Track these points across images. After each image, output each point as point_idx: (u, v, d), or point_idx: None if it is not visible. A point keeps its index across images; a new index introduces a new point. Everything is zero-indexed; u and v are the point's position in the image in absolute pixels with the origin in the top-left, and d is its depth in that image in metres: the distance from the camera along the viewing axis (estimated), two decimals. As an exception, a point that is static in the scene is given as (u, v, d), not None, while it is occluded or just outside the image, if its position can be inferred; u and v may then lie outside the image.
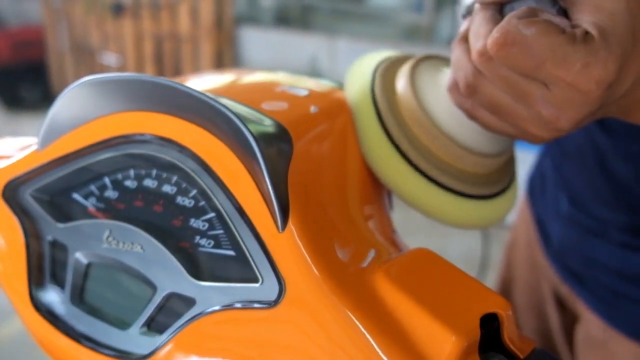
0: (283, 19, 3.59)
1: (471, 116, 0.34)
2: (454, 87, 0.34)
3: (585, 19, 0.28)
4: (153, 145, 0.34)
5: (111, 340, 0.32)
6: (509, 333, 0.29)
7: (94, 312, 0.33)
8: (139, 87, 0.33)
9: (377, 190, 0.38)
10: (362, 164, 0.37)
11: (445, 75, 0.36)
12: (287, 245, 0.28)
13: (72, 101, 0.35)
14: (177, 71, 3.68)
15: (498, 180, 0.39)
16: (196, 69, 3.58)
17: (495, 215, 0.38)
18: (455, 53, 0.33)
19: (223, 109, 0.30)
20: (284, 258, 0.28)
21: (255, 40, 3.54)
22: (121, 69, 3.92)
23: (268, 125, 0.32)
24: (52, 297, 0.34)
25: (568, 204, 0.59)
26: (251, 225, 0.30)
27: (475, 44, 0.30)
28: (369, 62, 0.41)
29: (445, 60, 0.40)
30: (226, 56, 3.53)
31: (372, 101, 0.37)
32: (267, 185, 0.29)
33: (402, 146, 0.35)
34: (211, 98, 0.30)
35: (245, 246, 0.30)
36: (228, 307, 0.29)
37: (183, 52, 3.59)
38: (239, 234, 0.30)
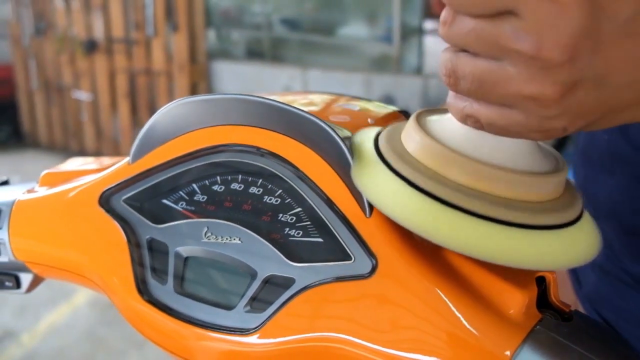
0: (255, 53, 3.69)
1: (463, 117, 0.30)
2: (447, 79, 0.30)
3: None
4: (238, 153, 0.40)
5: (219, 320, 0.37)
6: (554, 293, 0.35)
7: (197, 298, 0.38)
8: (227, 104, 0.39)
9: None
10: None
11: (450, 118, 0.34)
12: (376, 228, 0.34)
13: (164, 119, 0.41)
14: (152, 105, 3.72)
15: (565, 207, 0.33)
16: (171, 102, 3.62)
17: (574, 248, 0.32)
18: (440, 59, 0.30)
19: (314, 119, 0.36)
20: (374, 238, 0.34)
21: (228, 73, 3.62)
22: (94, 104, 3.93)
23: (345, 132, 0.38)
24: (157, 288, 0.39)
25: (603, 256, 0.56)
26: (340, 214, 0.36)
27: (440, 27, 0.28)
28: (366, 142, 0.37)
29: (441, 110, 0.38)
30: (201, 90, 3.60)
31: (384, 163, 0.33)
32: (355, 180, 0.35)
33: (442, 195, 0.31)
34: (300, 109, 0.37)
35: (336, 232, 0.36)
36: (325, 282, 0.35)
37: (157, 87, 3.64)
38: (329, 222, 0.36)
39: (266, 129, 0.38)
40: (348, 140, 0.37)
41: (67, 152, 4.14)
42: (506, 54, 0.26)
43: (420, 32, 3.26)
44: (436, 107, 0.37)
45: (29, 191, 0.47)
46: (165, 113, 0.41)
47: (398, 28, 3.10)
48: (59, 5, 3.87)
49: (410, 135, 0.34)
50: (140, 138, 0.42)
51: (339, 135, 0.35)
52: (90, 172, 0.46)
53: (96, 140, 4.01)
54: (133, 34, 3.64)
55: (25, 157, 4.13)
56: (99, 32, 3.75)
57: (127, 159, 0.43)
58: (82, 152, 4.09)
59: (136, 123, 3.82)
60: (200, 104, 0.40)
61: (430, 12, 3.35)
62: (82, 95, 3.95)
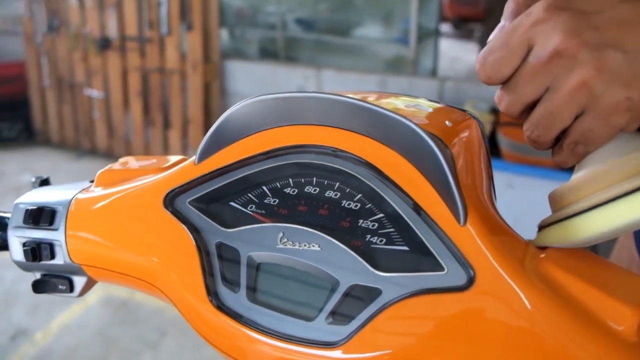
0: (268, 52, 3.67)
1: (570, 153, 0.35)
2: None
3: None
4: (313, 154, 0.37)
5: (298, 332, 0.34)
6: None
7: (273, 307, 0.36)
8: (303, 102, 0.37)
9: (491, 186, 0.42)
10: (482, 162, 0.41)
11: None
12: (471, 237, 0.32)
13: (234, 117, 0.39)
14: (165, 104, 3.71)
15: None
16: (184, 101, 3.61)
17: None
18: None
19: (402, 119, 0.34)
20: (470, 248, 0.32)
21: (242, 73, 3.60)
22: (106, 102, 3.92)
23: (430, 135, 0.36)
24: (228, 295, 0.37)
25: None
26: (430, 221, 0.33)
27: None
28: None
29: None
30: (214, 89, 3.58)
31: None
32: (449, 185, 0.33)
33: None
34: (384, 108, 0.35)
35: (425, 239, 0.33)
36: (415, 294, 0.33)
37: (170, 86, 3.63)
38: (417, 229, 0.34)
39: (345, 129, 0.36)
40: (436, 140, 0.35)
41: (79, 150, 4.13)
42: (546, 78, 0.33)
43: (436, 34, 3.24)
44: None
45: (85, 190, 0.45)
46: (237, 111, 0.39)
47: (415, 30, 3.08)
48: (72, 3, 3.86)
49: (582, 184, 0.35)
50: (208, 137, 0.40)
51: (430, 136, 0.33)
52: (149, 171, 0.44)
53: (108, 138, 4.00)
54: (147, 32, 3.63)
55: (36, 154, 4.12)
56: (112, 30, 3.74)
57: (193, 158, 0.41)
58: (93, 151, 4.08)
59: (148, 122, 3.81)
60: (275, 102, 0.38)
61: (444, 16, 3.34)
62: (94, 93, 3.94)
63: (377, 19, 3.37)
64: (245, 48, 3.75)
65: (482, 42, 5.89)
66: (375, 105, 0.35)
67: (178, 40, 3.54)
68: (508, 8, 0.36)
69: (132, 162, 0.48)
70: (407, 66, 3.20)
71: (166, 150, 3.73)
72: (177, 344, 2.19)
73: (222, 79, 3.62)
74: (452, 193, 0.33)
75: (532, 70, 0.34)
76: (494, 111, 2.58)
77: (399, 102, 0.45)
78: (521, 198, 2.25)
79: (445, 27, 3.42)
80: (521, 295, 0.31)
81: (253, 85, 3.57)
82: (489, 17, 5.64)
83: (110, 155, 3.98)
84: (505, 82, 0.35)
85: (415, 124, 0.34)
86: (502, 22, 0.36)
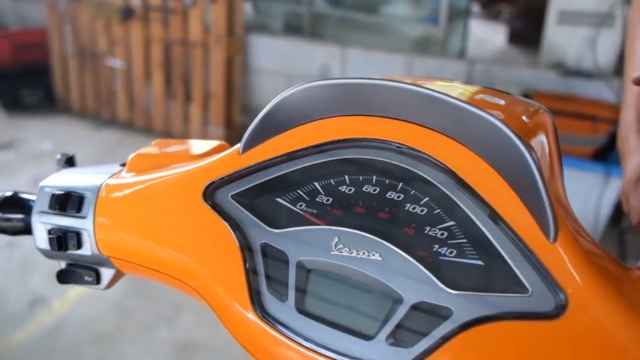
0: (293, 28, 3.60)
1: None
2: None
3: None
4: (374, 150, 0.33)
5: (355, 350, 0.31)
6: None
7: (324, 320, 0.32)
8: (366, 90, 0.33)
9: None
10: (555, 163, 0.37)
11: None
12: (562, 256, 0.28)
13: (286, 104, 0.34)
14: (186, 77, 3.66)
15: None
16: (206, 75, 3.56)
17: None
18: None
19: (483, 114, 0.29)
20: (562, 268, 0.28)
21: (265, 47, 3.54)
22: (127, 73, 3.89)
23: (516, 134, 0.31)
24: (274, 304, 0.33)
25: None
26: (512, 234, 0.29)
27: None
28: None
29: None
30: (236, 63, 3.52)
31: None
32: (539, 194, 0.28)
33: None
34: (463, 101, 0.30)
35: (506, 255, 0.29)
36: (495, 318, 0.28)
37: (193, 58, 3.58)
38: (496, 242, 0.29)
39: (413, 122, 0.32)
40: (523, 140, 0.30)
41: (99, 119, 4.12)
42: None
43: (466, 14, 3.14)
44: None
45: (116, 176, 0.41)
46: (290, 96, 0.34)
47: (445, 8, 2.98)
48: (96, -30, 3.81)
49: None
50: (255, 124, 0.35)
51: (517, 136, 0.29)
52: (185, 158, 0.40)
53: (128, 109, 3.98)
54: (171, 2, 3.57)
55: (57, 122, 4.12)
56: (136, -1, 3.69)
57: (237, 146, 0.37)
58: (113, 121, 4.07)
59: (169, 94, 3.77)
60: (332, 88, 0.33)
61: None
62: (116, 63, 3.91)
63: (406, -3, 3.28)
64: (269, 22, 3.68)
65: (510, 24, 5.74)
66: (450, 97, 0.30)
67: (202, 12, 3.47)
68: None
69: (165, 145, 0.44)
70: (435, 46, 3.11)
71: (186, 124, 3.70)
72: (192, 319, 2.18)
73: (245, 53, 3.57)
74: (541, 203, 0.28)
75: None
76: (525, 96, 2.50)
77: (450, 89, 0.40)
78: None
79: (473, 7, 3.31)
80: (620, 328, 0.27)
81: (276, 61, 3.51)
82: (519, -1, 5.46)
83: (130, 127, 3.95)
84: None
85: (500, 120, 0.29)
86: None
